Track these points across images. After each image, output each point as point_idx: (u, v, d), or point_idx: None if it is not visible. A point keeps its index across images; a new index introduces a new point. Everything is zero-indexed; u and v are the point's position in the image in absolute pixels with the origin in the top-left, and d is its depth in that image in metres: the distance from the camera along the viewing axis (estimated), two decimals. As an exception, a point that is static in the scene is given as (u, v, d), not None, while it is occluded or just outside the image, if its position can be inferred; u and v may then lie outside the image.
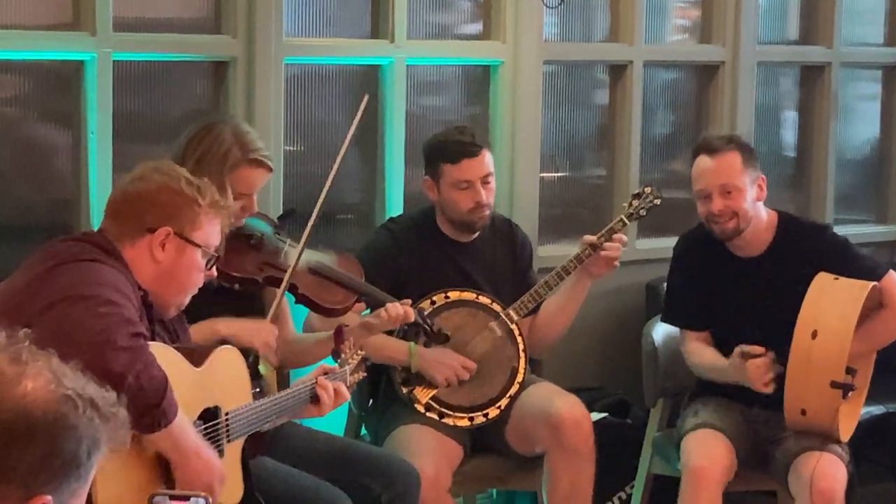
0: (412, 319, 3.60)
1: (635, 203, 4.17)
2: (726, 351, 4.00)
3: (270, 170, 3.51)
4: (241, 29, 4.14)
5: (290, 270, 3.37)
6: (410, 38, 4.53)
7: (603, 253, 4.04)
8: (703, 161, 4.03)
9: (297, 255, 3.38)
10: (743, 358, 3.89)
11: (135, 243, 2.87)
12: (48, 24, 3.94)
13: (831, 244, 4.10)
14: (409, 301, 3.65)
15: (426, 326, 3.68)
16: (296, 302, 3.55)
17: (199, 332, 3.27)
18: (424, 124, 4.62)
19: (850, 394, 3.86)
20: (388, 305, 3.55)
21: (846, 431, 3.97)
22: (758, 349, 3.88)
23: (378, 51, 4.50)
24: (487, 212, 4.05)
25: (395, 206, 4.53)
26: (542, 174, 4.90)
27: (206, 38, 4.18)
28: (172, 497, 1.95)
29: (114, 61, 3.90)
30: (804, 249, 4.04)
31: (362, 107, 3.44)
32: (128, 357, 2.55)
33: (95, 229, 2.97)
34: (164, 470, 2.72)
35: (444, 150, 4.03)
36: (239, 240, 3.46)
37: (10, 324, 2.64)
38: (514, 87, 4.75)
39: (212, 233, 2.93)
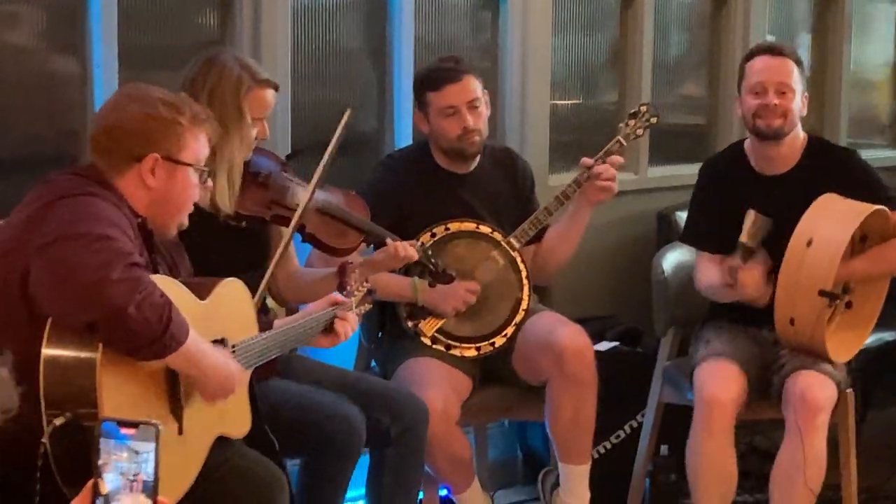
0: (416, 258, 3.60)
1: (632, 122, 4.15)
2: None
3: (277, 88, 3.53)
4: (247, -41, 4.11)
5: (299, 210, 3.37)
6: (419, -36, 4.50)
7: (598, 176, 4.01)
8: (763, 59, 4.08)
9: (309, 195, 3.38)
10: (731, 274, 3.92)
11: (124, 174, 2.86)
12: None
13: (857, 169, 4.12)
14: (414, 242, 3.64)
15: (431, 266, 3.67)
16: (302, 241, 3.56)
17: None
18: (434, 54, 4.58)
19: (837, 304, 3.88)
20: (396, 244, 3.56)
21: (842, 353, 3.98)
22: (735, 259, 3.93)
23: (387, -21, 4.46)
24: (477, 138, 4.03)
25: (404, 135, 4.52)
26: (552, 101, 4.87)
27: (211, -32, 4.15)
28: (122, 423, 1.95)
29: (118, -6, 3.88)
30: (829, 171, 4.06)
31: (344, 120, 3.43)
32: (125, 288, 2.56)
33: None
34: (170, 382, 2.75)
35: (427, 78, 4.03)
36: (246, 178, 3.47)
37: (10, 263, 2.68)
38: (524, 14, 4.71)
39: (199, 148, 2.92)
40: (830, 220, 3.87)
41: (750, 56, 4.14)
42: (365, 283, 3.38)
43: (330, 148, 3.40)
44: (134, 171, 2.86)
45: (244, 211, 3.44)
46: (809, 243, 3.83)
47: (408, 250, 3.56)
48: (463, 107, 3.98)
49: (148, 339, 2.60)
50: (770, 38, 5.40)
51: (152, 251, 2.89)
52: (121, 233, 2.69)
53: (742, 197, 4.09)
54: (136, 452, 1.94)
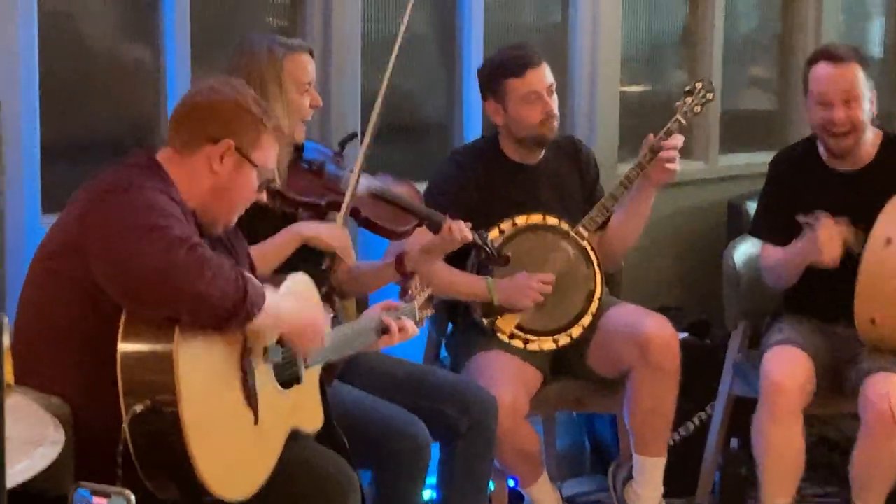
0: (471, 239, 3.59)
1: (689, 100, 4.12)
2: (809, 269, 3.97)
3: (312, 54, 3.56)
4: (318, -51, 4.11)
5: (349, 192, 3.40)
6: (488, -49, 4.48)
7: (660, 157, 3.98)
8: (825, 68, 4.01)
9: (355, 177, 3.40)
10: (810, 227, 3.89)
11: (194, 153, 2.87)
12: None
13: None
14: (469, 224, 3.64)
15: (486, 248, 3.67)
16: (358, 225, 3.57)
17: (282, 235, 3.37)
18: (502, 39, 4.56)
19: None
20: (450, 224, 3.55)
21: None
22: (827, 216, 3.88)
23: (456, -33, 4.45)
24: (556, 122, 4.02)
25: (474, 123, 4.51)
26: (622, 88, 4.84)
27: (283, -45, 4.16)
28: (94, 493, 1.96)
29: (192, -15, 3.90)
30: None
31: (408, 9, 3.41)
32: (193, 269, 2.59)
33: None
34: (244, 371, 2.78)
35: (506, 66, 4.00)
36: (299, 166, 3.50)
37: (68, 258, 2.71)
38: (594, 3, 4.67)
39: (270, 156, 2.94)
40: None
41: (812, 61, 4.07)
42: (427, 288, 3.38)
43: (400, 35, 3.44)
44: (204, 152, 2.87)
45: (302, 196, 3.46)
46: (889, 242, 3.79)
47: (463, 231, 3.56)
48: (544, 92, 3.98)
49: (230, 309, 2.63)
50: (842, 18, 5.31)
51: (205, 237, 2.88)
52: (175, 220, 2.70)
53: (813, 193, 4.05)
54: None
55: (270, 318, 2.74)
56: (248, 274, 2.69)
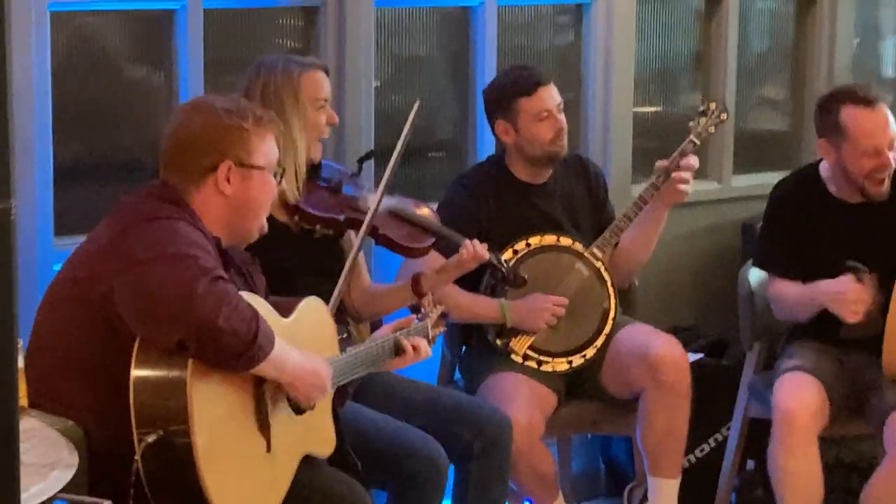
0: (487, 258, 3.59)
1: (702, 121, 4.11)
2: None
3: (328, 71, 3.58)
4: (331, -27, 4.12)
5: (370, 213, 3.38)
6: (501, -23, 4.48)
7: (673, 177, 3.97)
8: (867, 114, 3.93)
9: (378, 198, 3.39)
10: (852, 272, 3.84)
11: (200, 187, 2.87)
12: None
13: None
14: (485, 245, 3.62)
15: (503, 269, 3.66)
16: (376, 243, 3.57)
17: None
18: (516, 60, 4.56)
19: None
20: (469, 242, 3.56)
21: None
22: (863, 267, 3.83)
23: (469, -8, 4.45)
24: (566, 139, 4.02)
25: (487, 144, 4.50)
26: (635, 109, 4.84)
27: (295, -18, 4.17)
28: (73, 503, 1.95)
29: (204, 9, 3.90)
30: None
31: (413, 113, 3.41)
32: (212, 302, 2.58)
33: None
34: (257, 399, 2.77)
35: (516, 85, 3.99)
36: (317, 185, 3.51)
37: (90, 284, 2.71)
38: (608, 19, 4.66)
39: (268, 150, 2.93)
40: None
41: (844, 102, 3.97)
42: (439, 305, 3.37)
43: (400, 143, 3.39)
44: (209, 183, 2.87)
45: (318, 213, 3.46)
46: None
47: (478, 250, 3.56)
48: (554, 109, 3.98)
49: (238, 350, 2.62)
50: (856, 42, 5.30)
51: (228, 269, 2.89)
52: (202, 251, 2.71)
53: (819, 223, 4.02)
54: None
55: (273, 368, 2.73)
56: (261, 318, 2.66)
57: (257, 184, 2.90)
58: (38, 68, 3.61)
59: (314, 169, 3.55)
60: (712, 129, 4.12)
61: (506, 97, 4.01)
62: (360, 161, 3.69)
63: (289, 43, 4.25)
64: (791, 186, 4.16)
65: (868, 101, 3.95)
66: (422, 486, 3.34)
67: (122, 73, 4.01)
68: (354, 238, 3.46)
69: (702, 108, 4.15)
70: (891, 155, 3.93)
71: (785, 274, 4.07)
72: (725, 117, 4.14)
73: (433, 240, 3.59)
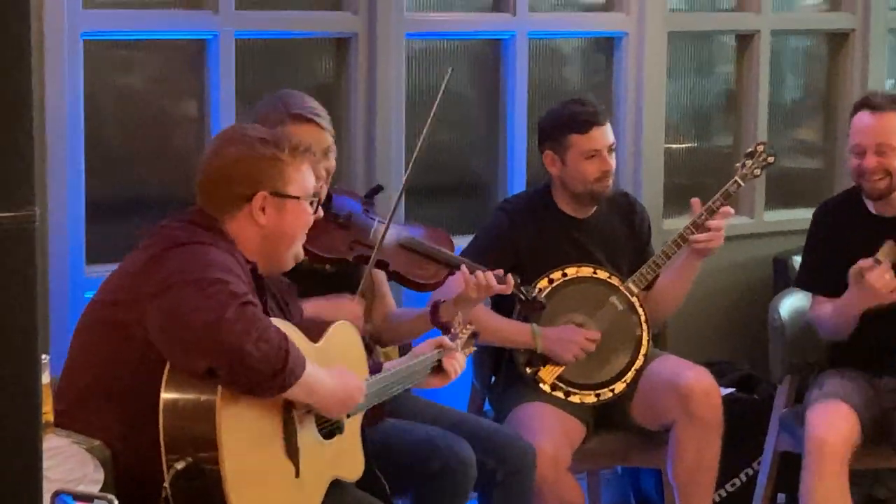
0: (499, 289, 3.54)
1: (749, 163, 4.09)
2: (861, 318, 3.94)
3: (321, 127, 3.47)
4: (363, 5, 4.15)
5: (376, 248, 3.38)
6: (532, 10, 4.50)
7: (708, 223, 3.95)
8: (864, 117, 4.02)
9: (382, 233, 3.40)
10: (861, 273, 3.84)
11: (235, 216, 2.88)
12: (173, 2, 3.98)
13: None
14: (502, 271, 3.60)
15: (521, 295, 3.64)
16: (388, 279, 3.56)
17: None
18: (546, 96, 4.58)
19: None
20: (479, 273, 3.52)
21: None
22: (868, 261, 3.83)
23: (499, 24, 4.47)
24: (611, 181, 4.02)
25: (518, 179, 4.51)
26: (666, 145, 4.84)
27: (327, 14, 4.20)
28: (77, 497, 1.93)
29: (236, 39, 3.93)
30: None
31: (446, 80, 3.42)
32: (241, 327, 2.57)
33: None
34: (286, 425, 2.76)
35: (572, 120, 3.98)
36: (327, 220, 3.45)
37: (125, 308, 2.72)
38: (638, 59, 4.69)
39: (304, 179, 2.93)
40: None
41: (856, 109, 4.08)
42: (469, 326, 3.36)
43: (433, 111, 3.40)
44: (245, 212, 2.88)
45: (327, 254, 3.45)
46: None
47: (489, 278, 3.52)
48: (604, 150, 3.97)
49: (269, 374, 2.61)
50: (889, 83, 5.32)
51: (264, 295, 2.90)
52: (234, 276, 2.71)
53: (858, 240, 4.02)
54: None
55: (304, 392, 2.72)
56: (291, 342, 2.66)
57: (292, 213, 2.91)
58: (70, 96, 3.64)
59: (324, 203, 3.52)
60: (758, 172, 4.09)
61: (558, 129, 4.01)
62: (369, 195, 3.67)
63: (320, 73, 4.28)
64: (831, 206, 4.21)
65: (870, 106, 4.02)
66: (449, 483, 3.32)
67: (154, 103, 4.04)
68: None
69: (749, 150, 4.13)
70: (876, 160, 3.96)
71: (824, 292, 4.07)
72: (773, 160, 4.10)
73: (446, 271, 3.57)
